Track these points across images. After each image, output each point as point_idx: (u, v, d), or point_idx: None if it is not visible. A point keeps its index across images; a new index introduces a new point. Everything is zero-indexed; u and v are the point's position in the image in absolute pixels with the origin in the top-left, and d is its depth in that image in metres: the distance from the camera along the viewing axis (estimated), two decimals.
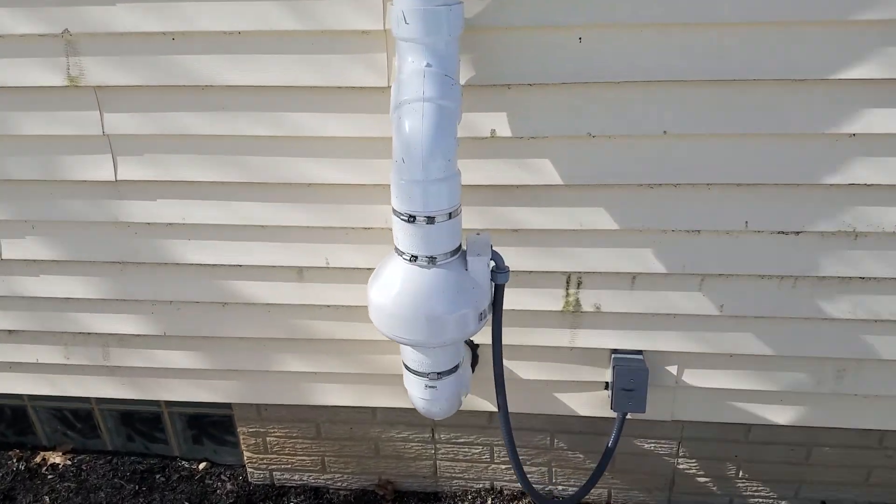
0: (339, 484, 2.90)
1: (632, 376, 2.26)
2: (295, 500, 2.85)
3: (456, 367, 2.01)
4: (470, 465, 2.75)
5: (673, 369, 2.34)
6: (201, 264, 2.35)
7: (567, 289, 2.23)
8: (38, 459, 3.08)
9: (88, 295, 2.48)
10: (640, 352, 2.32)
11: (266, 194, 2.19)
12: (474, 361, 2.41)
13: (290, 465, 2.89)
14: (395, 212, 1.75)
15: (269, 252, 2.29)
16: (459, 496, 2.82)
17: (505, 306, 2.24)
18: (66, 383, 2.75)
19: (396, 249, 1.81)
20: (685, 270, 2.14)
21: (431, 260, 1.77)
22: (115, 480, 2.94)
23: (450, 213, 1.74)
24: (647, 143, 1.97)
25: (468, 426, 2.67)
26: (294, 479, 2.93)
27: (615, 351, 2.33)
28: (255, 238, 2.28)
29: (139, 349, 2.60)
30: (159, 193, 2.25)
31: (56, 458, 3.09)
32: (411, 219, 1.71)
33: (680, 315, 2.23)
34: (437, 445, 2.74)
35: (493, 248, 1.90)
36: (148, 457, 3.08)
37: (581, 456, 2.70)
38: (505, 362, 2.40)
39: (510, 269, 1.96)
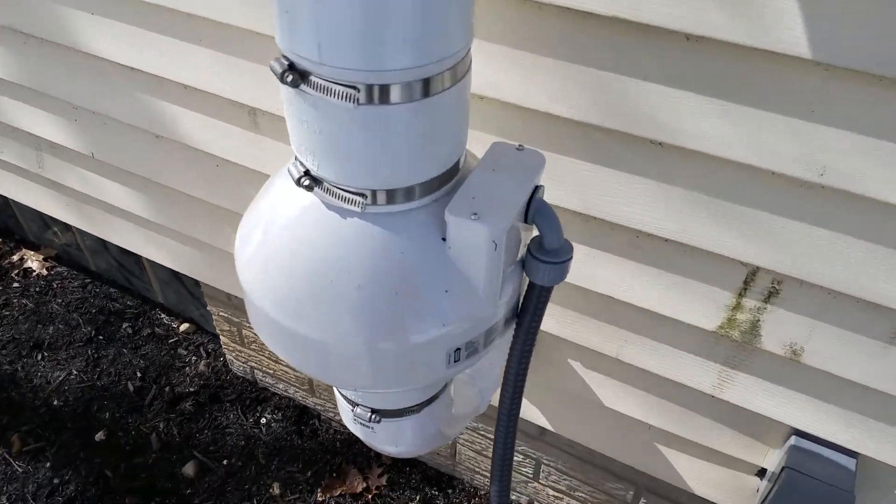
0: (330, 414, 2.10)
1: (818, 500, 1.10)
2: (272, 415, 2.12)
3: (423, 405, 0.98)
4: None
5: None
6: (118, 63, 1.43)
7: (740, 296, 1.04)
8: (15, 258, 2.59)
9: None
10: (853, 454, 1.12)
11: None
12: None
13: (272, 371, 2.12)
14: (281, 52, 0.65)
15: (204, 67, 1.30)
16: (483, 495, 1.92)
17: (598, 286, 1.13)
18: (6, 182, 2.10)
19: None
20: None
21: (356, 200, 0.68)
22: (75, 315, 2.37)
23: (425, 82, 0.61)
24: None
25: None
26: (279, 388, 2.18)
27: (801, 434, 1.15)
28: (185, 37, 1.29)
29: (73, 166, 1.83)
30: None
31: (34, 261, 2.57)
32: (298, 77, 0.61)
33: None
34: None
35: (548, 202, 0.76)
36: (128, 293, 2.47)
37: None
38: (583, 373, 1.33)
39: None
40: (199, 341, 2.34)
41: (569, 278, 1.16)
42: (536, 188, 0.74)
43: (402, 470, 1.98)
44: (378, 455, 2.01)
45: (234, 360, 2.22)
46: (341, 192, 0.68)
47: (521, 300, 0.83)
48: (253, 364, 2.17)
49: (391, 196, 0.68)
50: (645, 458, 1.41)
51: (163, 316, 2.41)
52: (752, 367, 1.11)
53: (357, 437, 1.97)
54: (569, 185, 1.04)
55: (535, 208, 0.73)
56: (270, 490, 1.92)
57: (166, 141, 1.53)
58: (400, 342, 0.71)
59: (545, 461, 1.67)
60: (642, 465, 1.43)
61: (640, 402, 1.30)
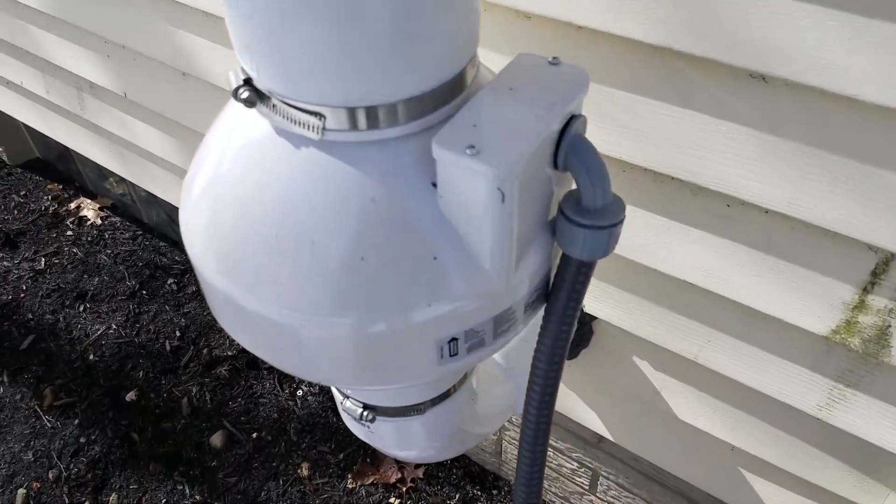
0: None
1: None
2: (309, 387, 2.00)
3: (430, 404, 0.79)
4: (555, 476, 1.61)
5: None
6: None
7: (865, 292, 0.79)
8: (73, 206, 2.58)
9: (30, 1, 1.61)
10: None
11: None
12: (582, 341, 1.15)
13: None
14: None
15: None
16: None
17: (674, 269, 0.91)
18: (54, 123, 2.06)
19: None
20: None
21: (310, 123, 0.49)
22: (121, 268, 2.33)
23: None
24: None
25: (557, 425, 1.47)
26: None
27: None
28: None
29: (110, 107, 1.75)
30: None
31: (90, 210, 2.55)
32: None
33: None
34: (505, 423, 1.61)
35: (590, 140, 0.54)
36: (178, 248, 2.40)
37: None
38: (652, 375, 1.10)
39: None
40: None
41: (636, 255, 0.94)
42: (572, 118, 0.53)
43: (443, 463, 1.81)
44: None
45: None
46: (291, 111, 0.50)
47: (552, 278, 0.63)
48: None
49: (359, 118, 0.49)
50: (726, 485, 1.18)
51: None
52: (874, 386, 0.86)
53: None
54: (640, 133, 0.82)
55: (568, 147, 0.53)
56: (298, 470, 1.80)
57: (192, 79, 1.40)
58: (365, 325, 0.53)
59: (604, 473, 1.46)
60: (722, 493, 1.20)
61: (722, 417, 1.07)
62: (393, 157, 0.51)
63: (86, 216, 2.54)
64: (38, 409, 1.93)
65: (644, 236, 0.92)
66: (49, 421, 1.91)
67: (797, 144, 0.73)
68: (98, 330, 2.13)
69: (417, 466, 1.79)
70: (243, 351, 2.09)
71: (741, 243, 0.85)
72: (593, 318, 1.11)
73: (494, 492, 1.76)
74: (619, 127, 0.83)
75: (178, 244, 2.42)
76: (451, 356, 0.57)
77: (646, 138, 0.82)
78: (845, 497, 1.01)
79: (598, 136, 0.85)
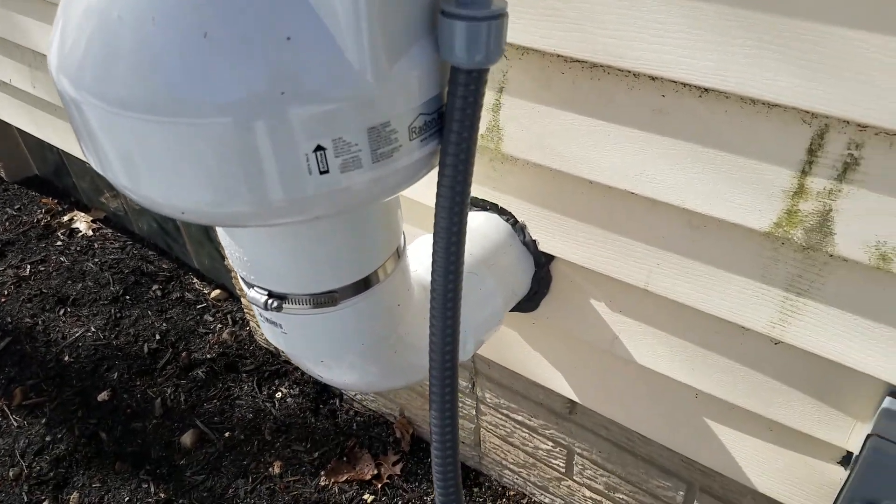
0: (350, 393, 1.93)
1: None
2: (289, 390, 1.97)
3: (344, 294, 0.77)
4: (532, 462, 1.55)
5: None
6: None
7: (804, 174, 0.77)
8: (65, 218, 2.63)
9: None
10: None
11: None
12: (537, 288, 1.12)
13: None
14: None
15: None
16: (512, 496, 1.66)
17: (616, 179, 0.90)
18: (44, 123, 2.12)
19: None
20: None
21: None
22: (107, 274, 2.35)
23: None
24: None
25: (528, 399, 1.42)
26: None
27: None
28: None
29: None
30: None
31: (82, 222, 2.61)
32: None
33: None
34: (480, 406, 1.56)
35: None
36: (166, 256, 2.43)
37: None
38: (610, 317, 1.08)
39: None
40: (228, 309, 2.25)
41: (581, 170, 0.93)
42: None
43: (423, 460, 1.75)
44: (397, 440, 1.80)
45: (258, 328, 2.11)
46: None
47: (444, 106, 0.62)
48: None
49: None
50: (695, 441, 1.12)
51: (195, 281, 2.35)
52: (825, 289, 0.83)
53: (377, 419, 1.79)
54: (570, 19, 0.82)
55: None
56: (270, 469, 1.75)
57: None
58: (208, 112, 0.52)
59: (578, 450, 1.40)
60: (692, 451, 1.14)
61: (681, 357, 1.03)
62: None
63: (77, 228, 2.59)
64: (6, 409, 1.93)
65: (587, 146, 0.91)
66: (16, 420, 1.90)
67: (720, 6, 0.73)
68: (76, 333, 2.14)
69: (395, 463, 1.73)
70: (223, 354, 2.08)
71: (680, 139, 0.84)
72: (550, 258, 1.09)
73: (475, 489, 1.69)
74: (549, 16, 0.84)
75: (165, 252, 2.45)
76: (321, 173, 0.57)
77: (575, 24, 0.82)
78: (812, 435, 0.96)
79: (531, 25, 0.86)
